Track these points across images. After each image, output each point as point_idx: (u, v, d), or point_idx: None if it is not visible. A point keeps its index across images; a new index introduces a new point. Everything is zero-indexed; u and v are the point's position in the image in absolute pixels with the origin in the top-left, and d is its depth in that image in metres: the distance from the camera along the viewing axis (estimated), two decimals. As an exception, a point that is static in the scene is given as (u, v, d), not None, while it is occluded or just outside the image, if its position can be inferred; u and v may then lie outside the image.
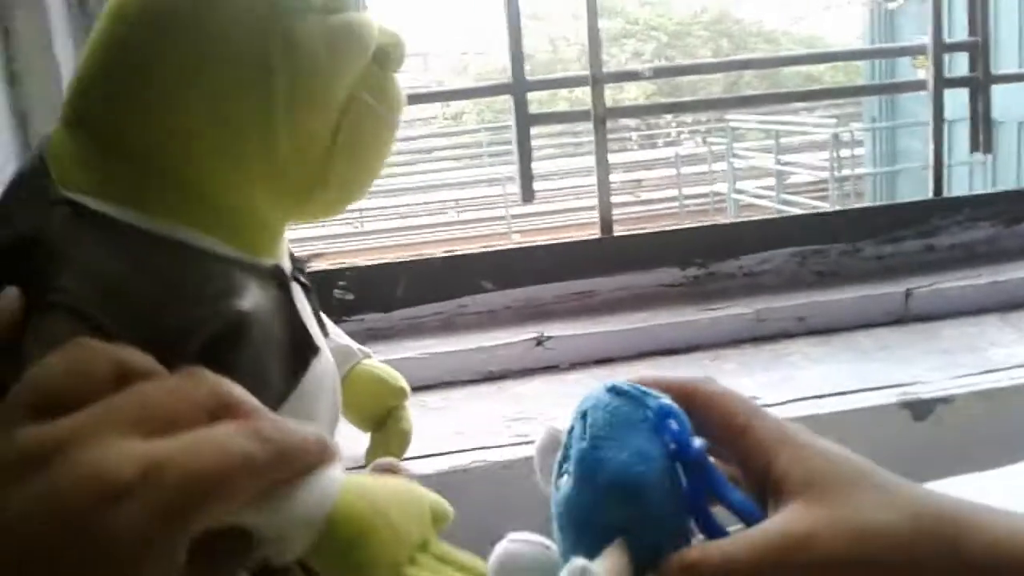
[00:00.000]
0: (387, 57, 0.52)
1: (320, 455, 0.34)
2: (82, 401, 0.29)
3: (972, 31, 1.15)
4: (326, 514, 0.34)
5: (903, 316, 1.01)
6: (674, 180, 8.88)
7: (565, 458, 0.39)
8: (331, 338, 0.63)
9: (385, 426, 0.73)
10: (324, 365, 0.54)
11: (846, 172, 7.06)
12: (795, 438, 0.39)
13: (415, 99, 1.12)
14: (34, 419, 0.29)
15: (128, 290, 0.42)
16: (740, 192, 7.90)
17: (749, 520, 0.37)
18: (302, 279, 0.56)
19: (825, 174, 7.05)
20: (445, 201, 9.37)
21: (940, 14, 1.11)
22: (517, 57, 1.04)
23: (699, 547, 0.37)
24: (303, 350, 0.51)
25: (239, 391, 0.33)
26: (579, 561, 0.35)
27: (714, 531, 0.38)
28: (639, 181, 8.79)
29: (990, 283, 1.03)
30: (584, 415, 0.38)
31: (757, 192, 7.75)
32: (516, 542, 0.44)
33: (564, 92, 8.27)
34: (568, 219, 7.77)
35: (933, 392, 0.80)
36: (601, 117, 1.06)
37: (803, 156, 8.05)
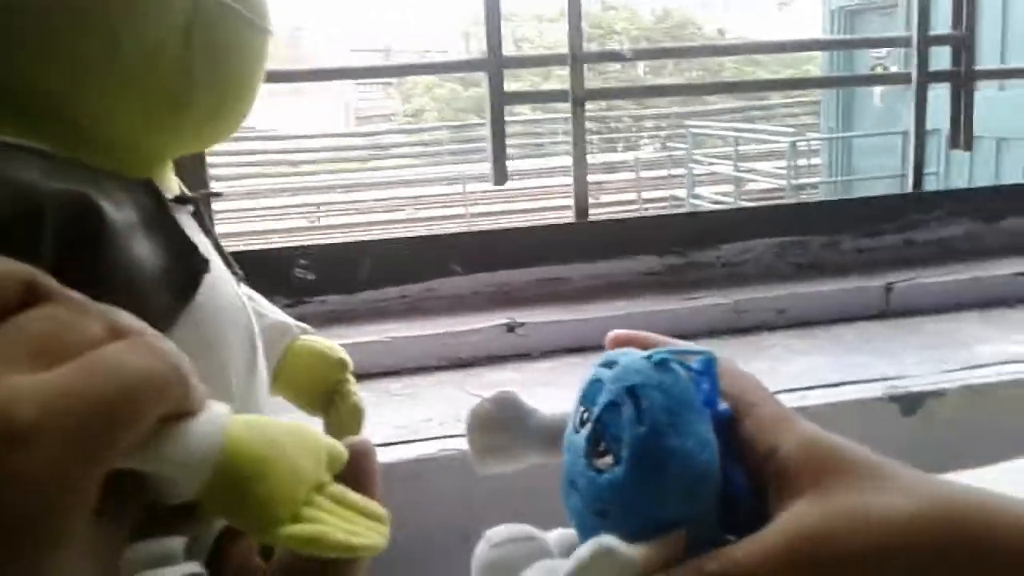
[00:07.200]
0: None
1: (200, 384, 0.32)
2: None
3: (956, 25, 1.13)
4: (220, 447, 0.31)
5: (884, 310, 0.99)
6: (633, 184, 8.92)
7: (600, 435, 0.35)
8: (266, 315, 0.59)
9: (334, 404, 0.68)
10: (223, 294, 0.50)
11: (803, 180, 7.14)
12: (804, 426, 0.37)
13: (391, 72, 1.07)
14: None
15: None
16: (698, 198, 7.94)
17: (737, 499, 0.35)
18: (192, 207, 0.52)
19: (782, 182, 7.12)
20: (404, 198, 9.29)
21: (928, 5, 1.09)
22: (493, 32, 1.00)
23: (715, 555, 0.34)
24: (188, 264, 0.47)
25: (128, 316, 0.30)
26: (606, 539, 0.31)
27: (736, 492, 0.35)
28: (598, 184, 8.80)
29: (971, 279, 1.01)
30: (632, 393, 0.35)
31: (715, 198, 7.80)
32: (500, 546, 0.40)
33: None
34: (529, 220, 7.76)
35: (922, 386, 0.78)
36: (580, 98, 1.02)
37: (760, 164, 8.12)
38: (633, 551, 0.32)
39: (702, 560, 0.33)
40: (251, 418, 0.35)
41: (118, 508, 0.30)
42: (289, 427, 0.37)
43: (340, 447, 0.40)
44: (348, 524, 0.36)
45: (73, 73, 0.45)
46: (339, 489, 0.38)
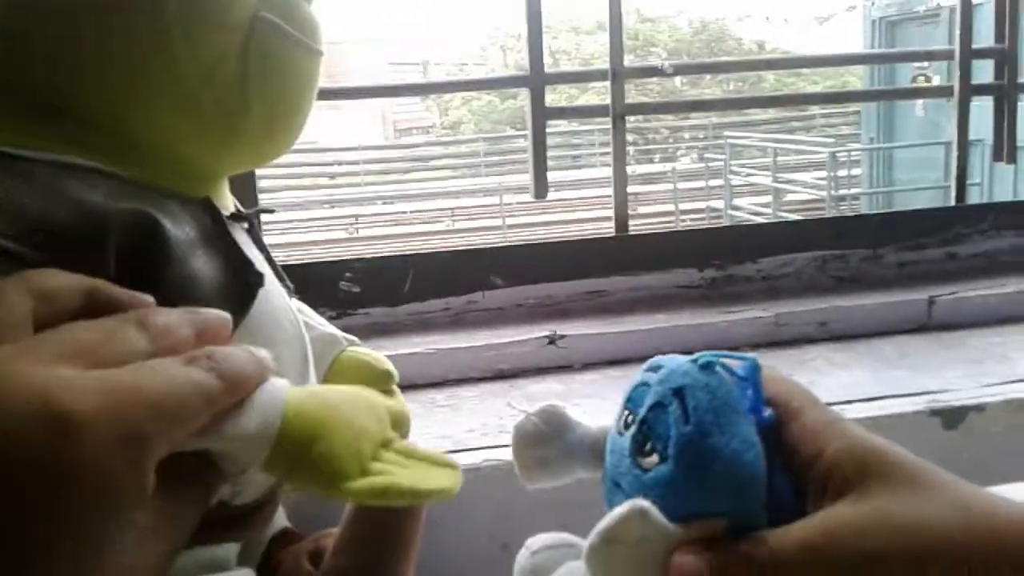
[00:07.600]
0: None
1: (262, 371, 0.34)
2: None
3: (998, 38, 1.13)
4: (279, 420, 0.34)
5: (926, 324, 0.99)
6: (670, 195, 8.89)
7: (646, 435, 0.36)
8: (315, 327, 0.61)
9: None
10: (276, 306, 0.52)
11: (843, 191, 7.07)
12: (849, 430, 0.37)
13: (434, 89, 1.09)
14: None
15: (31, 213, 0.40)
16: (736, 208, 7.90)
17: (780, 504, 0.35)
18: (247, 225, 0.54)
19: (822, 193, 7.05)
20: (441, 210, 9.34)
21: (969, 18, 1.09)
22: (536, 48, 1.01)
23: (749, 539, 0.34)
24: (244, 276, 0.49)
25: (175, 319, 0.33)
26: (642, 501, 0.32)
27: (780, 497, 0.35)
28: (635, 195, 8.79)
29: (1015, 292, 1.00)
30: (678, 393, 0.35)
31: (753, 209, 7.75)
32: (539, 552, 0.41)
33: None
34: (567, 231, 7.76)
35: (964, 400, 0.77)
36: (620, 113, 1.03)
37: (799, 176, 8.06)
38: (670, 524, 0.32)
39: (735, 542, 0.34)
40: (307, 388, 0.37)
41: (181, 493, 0.31)
42: (346, 390, 0.39)
43: (403, 408, 0.42)
44: (417, 473, 0.38)
45: (135, 93, 0.47)
46: (407, 444, 0.40)
